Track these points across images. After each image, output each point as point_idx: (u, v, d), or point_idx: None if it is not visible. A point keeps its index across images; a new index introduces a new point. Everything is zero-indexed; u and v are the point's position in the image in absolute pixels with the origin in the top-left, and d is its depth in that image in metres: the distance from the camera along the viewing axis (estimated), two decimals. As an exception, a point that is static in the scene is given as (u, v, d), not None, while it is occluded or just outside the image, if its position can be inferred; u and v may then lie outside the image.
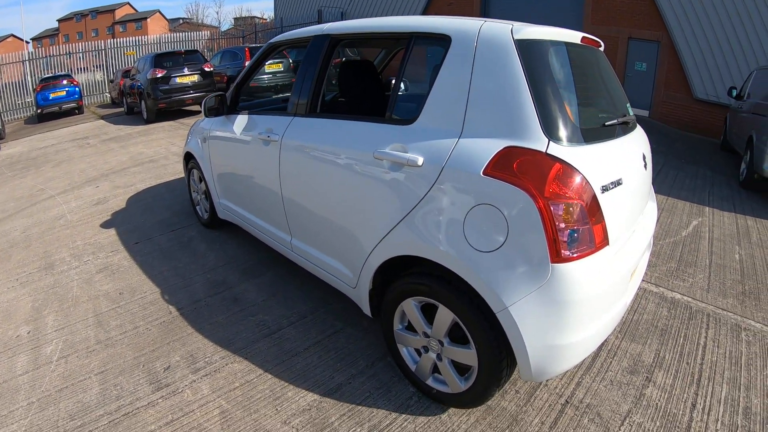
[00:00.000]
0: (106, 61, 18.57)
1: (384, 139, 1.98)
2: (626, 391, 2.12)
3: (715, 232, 4.07)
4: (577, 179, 1.55)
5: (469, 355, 1.79)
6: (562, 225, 1.50)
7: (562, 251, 1.50)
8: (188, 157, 4.05)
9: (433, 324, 1.89)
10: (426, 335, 1.96)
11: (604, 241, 1.62)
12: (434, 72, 1.87)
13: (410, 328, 2.07)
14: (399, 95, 2.07)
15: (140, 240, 3.98)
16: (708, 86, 9.58)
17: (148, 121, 10.56)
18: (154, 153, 7.41)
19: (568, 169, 1.54)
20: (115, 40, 19.51)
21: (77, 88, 14.60)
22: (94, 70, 18.74)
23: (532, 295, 1.53)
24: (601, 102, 2.10)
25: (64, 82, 14.47)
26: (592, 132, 1.79)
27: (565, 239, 1.51)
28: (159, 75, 10.19)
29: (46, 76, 15.63)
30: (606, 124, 1.92)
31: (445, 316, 1.82)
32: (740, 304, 2.88)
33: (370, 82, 3.02)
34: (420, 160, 1.79)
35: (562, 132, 1.61)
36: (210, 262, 3.51)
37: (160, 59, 10.65)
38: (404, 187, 1.87)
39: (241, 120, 3.05)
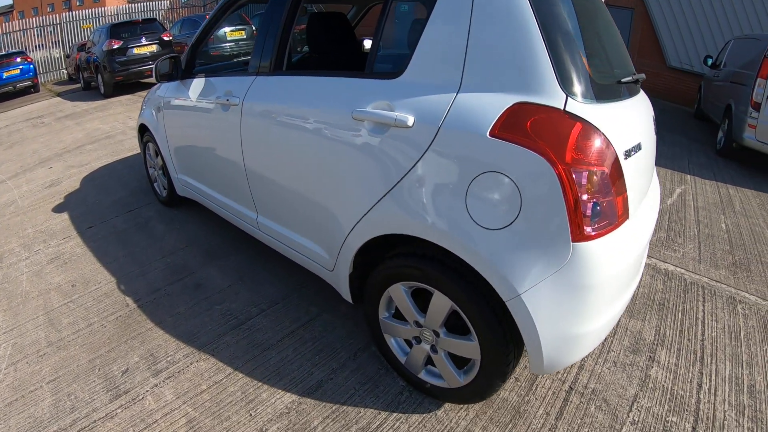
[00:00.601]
0: (62, 37, 17.41)
1: (364, 96, 1.68)
2: (631, 373, 1.99)
3: (699, 200, 4.03)
4: (600, 143, 1.31)
5: (470, 348, 1.57)
6: (585, 196, 1.27)
7: (585, 228, 1.28)
8: (143, 130, 3.67)
9: (426, 312, 1.66)
10: (418, 324, 1.72)
11: (625, 215, 1.41)
12: (426, 13, 1.56)
13: (398, 315, 1.83)
14: (381, 45, 1.75)
15: (94, 223, 3.65)
16: (681, 54, 9.55)
17: (105, 96, 9.99)
18: (111, 128, 6.99)
19: (590, 130, 1.30)
20: (71, 13, 18.20)
21: (32, 66, 13.70)
22: (50, 47, 17.57)
23: (548, 279, 1.31)
24: (608, 58, 1.85)
25: (18, 59, 13.53)
26: (607, 89, 1.53)
27: (589, 213, 1.28)
28: (115, 46, 9.58)
29: (-2, 54, 14.58)
30: (622, 80, 1.66)
31: (441, 304, 1.58)
32: (732, 275, 2.81)
33: (343, 36, 2.67)
34: (410, 120, 1.51)
35: (579, 87, 1.35)
36: (169, 244, 3.22)
37: (116, 29, 10.00)
38: (390, 152, 1.59)
39: (197, 84, 2.70)
